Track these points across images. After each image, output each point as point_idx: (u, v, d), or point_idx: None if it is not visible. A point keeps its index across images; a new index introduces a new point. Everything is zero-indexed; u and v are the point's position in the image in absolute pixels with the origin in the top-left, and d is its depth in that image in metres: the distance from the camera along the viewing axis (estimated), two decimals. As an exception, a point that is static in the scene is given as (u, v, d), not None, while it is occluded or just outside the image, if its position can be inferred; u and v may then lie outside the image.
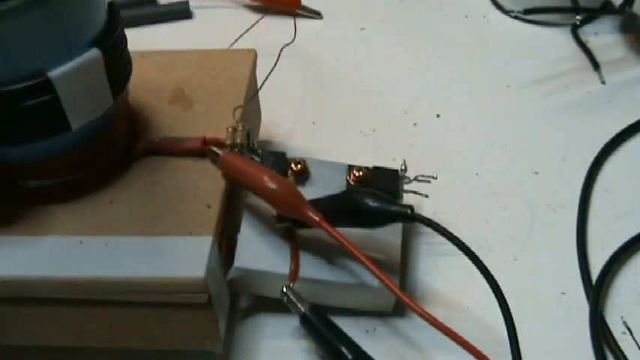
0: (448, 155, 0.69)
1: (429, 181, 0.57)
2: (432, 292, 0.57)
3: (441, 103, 0.75)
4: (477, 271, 0.49)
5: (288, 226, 0.53)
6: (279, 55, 0.63)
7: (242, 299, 0.57)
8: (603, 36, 0.84)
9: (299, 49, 0.67)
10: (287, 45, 0.65)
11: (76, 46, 0.47)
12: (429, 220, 0.50)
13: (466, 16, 0.88)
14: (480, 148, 0.70)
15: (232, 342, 0.54)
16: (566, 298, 0.57)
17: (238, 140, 0.54)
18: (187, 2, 0.89)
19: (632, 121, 0.71)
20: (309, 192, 0.53)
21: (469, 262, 0.49)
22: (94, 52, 0.47)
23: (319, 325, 0.50)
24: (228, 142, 0.54)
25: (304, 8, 0.88)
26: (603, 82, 0.77)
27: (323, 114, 0.74)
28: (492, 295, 0.48)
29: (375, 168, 0.57)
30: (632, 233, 0.60)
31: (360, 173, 0.56)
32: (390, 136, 0.71)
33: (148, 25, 0.87)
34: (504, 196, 0.65)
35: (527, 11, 0.80)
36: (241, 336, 0.55)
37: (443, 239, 0.50)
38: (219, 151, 0.53)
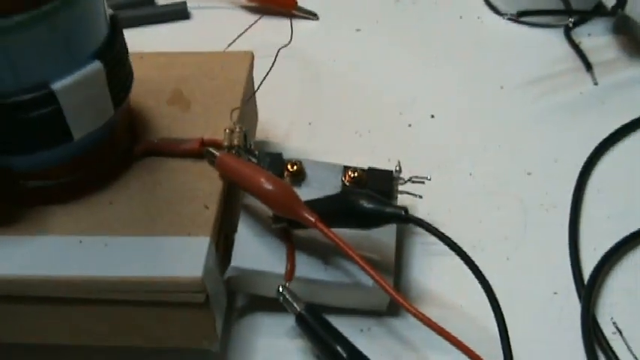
0: (442, 156, 0.70)
1: (424, 182, 0.57)
2: (426, 292, 0.58)
3: (436, 104, 0.76)
4: (469, 271, 0.50)
5: (285, 227, 0.54)
6: (276, 57, 0.63)
7: (239, 298, 0.58)
8: (596, 37, 0.84)
9: (295, 50, 0.67)
10: (284, 47, 0.65)
11: (79, 58, 0.48)
12: (422, 221, 0.50)
13: (460, 18, 0.88)
14: (473, 149, 0.71)
15: (229, 340, 0.55)
16: (558, 298, 0.58)
17: (235, 142, 0.55)
18: (185, 3, 0.90)
19: (624, 122, 0.72)
20: (305, 193, 0.53)
21: (461, 262, 0.50)
22: (96, 65, 0.48)
23: (315, 324, 0.51)
24: (225, 143, 0.55)
25: (300, 9, 0.89)
26: (596, 83, 0.78)
27: (319, 114, 0.75)
28: (484, 295, 0.49)
29: (370, 169, 0.58)
30: (624, 233, 0.61)
31: (355, 174, 0.57)
32: (385, 137, 0.72)
33: (146, 26, 0.88)
34: (498, 197, 0.66)
35: (521, 13, 0.81)
36: (238, 335, 0.55)
37: (436, 239, 0.50)
38: (217, 153, 0.54)
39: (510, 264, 0.60)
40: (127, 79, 0.54)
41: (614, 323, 0.55)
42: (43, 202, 0.52)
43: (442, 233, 0.50)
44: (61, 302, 0.49)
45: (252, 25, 0.75)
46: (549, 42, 0.83)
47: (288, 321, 0.53)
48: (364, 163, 0.59)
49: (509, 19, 0.85)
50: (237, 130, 0.55)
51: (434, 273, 0.59)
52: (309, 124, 0.74)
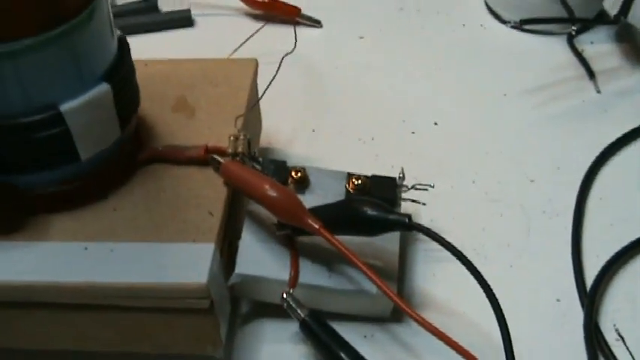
0: (445, 163, 0.70)
1: (427, 189, 0.58)
2: (429, 299, 0.58)
3: (439, 111, 0.76)
4: (472, 278, 0.50)
5: (288, 234, 0.54)
6: (280, 64, 0.63)
7: (243, 304, 0.58)
8: (599, 45, 0.85)
9: (299, 57, 0.67)
10: (288, 54, 0.65)
11: (87, 80, 0.48)
12: (426, 228, 0.50)
13: (464, 25, 0.89)
14: (476, 156, 0.71)
15: (233, 347, 0.55)
16: (561, 305, 0.58)
17: (240, 149, 0.55)
18: (189, 10, 0.90)
19: (626, 129, 0.72)
20: (309, 200, 0.54)
21: (464, 269, 0.50)
22: (104, 87, 0.49)
23: (318, 330, 0.51)
24: (230, 150, 0.55)
25: (304, 17, 0.89)
26: (598, 91, 0.78)
27: (322, 121, 0.75)
28: (487, 302, 0.49)
29: (374, 176, 0.58)
30: (627, 241, 0.61)
31: (359, 181, 0.57)
32: (389, 144, 0.72)
33: (150, 33, 0.88)
34: (500, 204, 0.66)
35: (525, 22, 0.81)
36: (242, 341, 0.56)
37: (439, 246, 0.50)
38: (221, 160, 0.54)
39: (513, 271, 0.60)
40: (133, 100, 0.55)
41: (616, 330, 0.56)
42: (48, 209, 0.52)
43: (445, 240, 0.50)
44: (66, 308, 0.49)
45: (256, 32, 0.76)
46: (552, 50, 0.84)
47: (292, 327, 0.53)
48: (367, 170, 0.59)
49: (512, 26, 0.85)
50: (242, 137, 0.56)
51: (437, 280, 0.59)
52: (313, 130, 0.74)
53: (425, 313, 0.48)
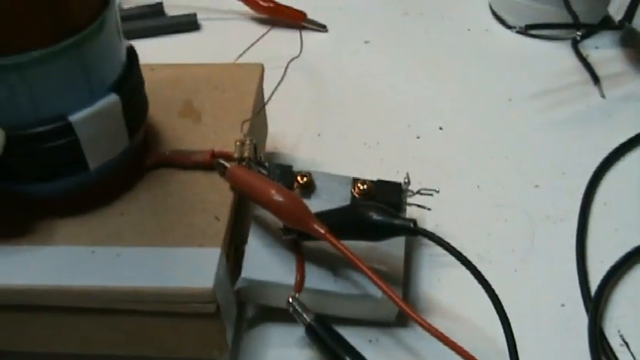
0: (450, 168, 0.70)
1: (432, 194, 0.58)
2: (434, 303, 0.58)
3: (444, 116, 0.76)
4: (477, 283, 0.50)
5: (294, 238, 0.54)
6: (286, 69, 0.64)
7: (248, 309, 0.58)
8: (603, 50, 0.85)
9: (304, 61, 0.68)
10: (294, 58, 0.66)
11: (96, 91, 0.49)
12: (431, 233, 0.50)
13: (468, 30, 0.89)
14: (481, 161, 0.71)
15: (239, 351, 0.55)
16: (566, 310, 0.58)
17: (246, 154, 0.55)
18: (195, 14, 0.91)
19: (631, 135, 0.73)
20: (315, 204, 0.54)
21: (469, 274, 0.50)
22: (113, 98, 0.49)
23: (324, 334, 0.51)
24: (236, 155, 0.55)
25: (310, 21, 0.89)
26: (603, 96, 0.78)
27: (328, 126, 0.75)
28: (492, 307, 0.49)
29: (379, 181, 0.58)
30: (631, 246, 0.61)
31: (365, 186, 0.57)
32: (394, 149, 0.72)
33: (156, 37, 0.89)
34: (505, 209, 0.66)
35: (530, 27, 0.81)
36: (248, 345, 0.56)
37: (444, 251, 0.50)
38: (228, 165, 0.54)
39: (518, 276, 0.60)
40: (142, 110, 0.55)
41: (621, 335, 0.56)
42: (55, 213, 0.52)
43: (450, 245, 0.50)
44: (73, 312, 0.50)
45: (263, 36, 0.76)
46: (557, 55, 0.84)
47: (298, 331, 0.54)
48: (372, 174, 0.59)
49: (517, 32, 0.85)
50: (248, 142, 0.56)
51: (442, 285, 0.60)
52: (318, 135, 0.74)
53: (430, 318, 0.48)
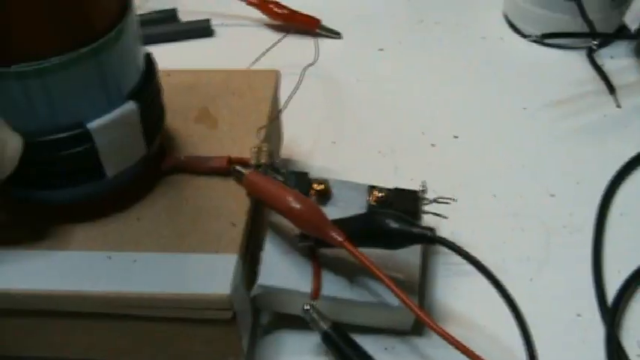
0: (465, 176, 0.70)
1: (449, 203, 0.58)
2: (450, 312, 0.58)
3: (459, 124, 0.76)
4: (493, 291, 0.50)
5: (311, 245, 0.54)
6: (302, 75, 0.63)
7: (263, 316, 0.58)
8: (618, 60, 0.84)
9: (318, 68, 0.67)
10: (310, 65, 0.65)
11: (114, 99, 0.49)
12: (450, 242, 0.50)
13: (483, 38, 0.89)
14: (496, 170, 0.71)
15: (254, 358, 0.55)
16: (582, 320, 0.57)
17: (263, 160, 0.55)
18: (209, 20, 0.91)
19: (647, 145, 0.72)
20: (331, 212, 0.53)
21: (485, 283, 0.50)
22: (131, 105, 0.49)
23: (341, 342, 0.51)
24: (252, 161, 0.55)
25: (324, 28, 0.89)
26: (619, 106, 0.78)
27: (342, 133, 0.75)
28: (508, 316, 0.49)
29: (396, 189, 0.58)
30: (648, 256, 0.61)
31: (381, 194, 0.57)
32: (409, 157, 0.72)
33: (170, 43, 0.89)
34: (521, 218, 0.66)
35: (546, 36, 0.81)
36: (262, 352, 0.56)
37: (459, 259, 0.50)
38: (245, 171, 0.54)
39: (534, 285, 0.60)
40: (159, 118, 0.55)
41: (639, 346, 0.55)
42: (72, 218, 0.52)
43: (470, 254, 0.50)
44: (87, 317, 0.50)
45: (277, 42, 0.76)
46: (572, 64, 0.84)
47: (313, 339, 0.54)
48: (387, 182, 0.59)
49: (533, 40, 0.85)
50: (265, 148, 0.56)
51: (457, 293, 0.59)
52: (333, 142, 0.74)
53: (445, 327, 0.48)
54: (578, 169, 0.70)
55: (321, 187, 0.57)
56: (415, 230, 0.51)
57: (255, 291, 0.53)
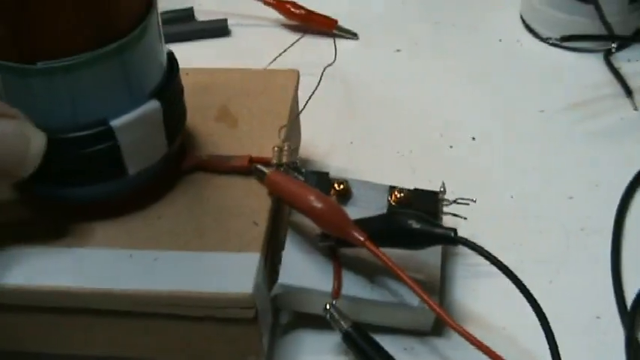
0: (483, 178, 0.70)
1: (468, 204, 0.58)
2: (469, 313, 0.58)
3: (476, 126, 0.76)
4: (512, 293, 0.49)
5: (331, 245, 0.54)
6: (322, 75, 0.63)
7: (283, 315, 0.58)
8: (636, 63, 0.84)
9: (335, 69, 0.67)
10: (329, 65, 0.65)
11: (137, 97, 0.49)
12: (472, 243, 0.50)
13: (500, 41, 0.89)
14: (514, 172, 0.71)
15: (273, 357, 0.55)
16: (601, 323, 0.57)
17: (284, 159, 0.55)
18: (226, 20, 0.91)
19: (665, 147, 0.72)
20: (351, 212, 0.53)
21: (504, 284, 0.50)
22: (154, 104, 0.50)
23: (362, 342, 0.51)
24: (274, 161, 0.55)
25: (341, 28, 0.89)
26: (636, 109, 0.78)
27: (360, 134, 0.75)
28: (528, 317, 0.49)
29: (416, 190, 0.58)
30: (667, 259, 0.61)
31: (402, 194, 0.57)
32: (426, 158, 0.72)
33: (186, 42, 0.89)
34: (539, 220, 0.66)
35: (565, 38, 0.81)
36: (282, 351, 0.56)
37: (479, 260, 0.50)
38: (266, 170, 0.54)
39: (552, 287, 0.60)
40: (181, 116, 0.55)
41: (659, 349, 0.55)
42: (94, 216, 0.52)
43: (492, 255, 0.50)
44: (107, 315, 0.50)
45: (295, 43, 0.76)
46: (589, 66, 0.84)
47: (333, 338, 0.54)
48: (405, 183, 0.59)
49: (552, 43, 0.85)
50: (286, 147, 0.56)
51: (477, 294, 0.59)
52: (351, 143, 0.74)
53: (465, 327, 0.48)
54: (596, 172, 0.70)
55: (342, 186, 0.57)
56: (437, 231, 0.51)
57: (275, 290, 0.53)
